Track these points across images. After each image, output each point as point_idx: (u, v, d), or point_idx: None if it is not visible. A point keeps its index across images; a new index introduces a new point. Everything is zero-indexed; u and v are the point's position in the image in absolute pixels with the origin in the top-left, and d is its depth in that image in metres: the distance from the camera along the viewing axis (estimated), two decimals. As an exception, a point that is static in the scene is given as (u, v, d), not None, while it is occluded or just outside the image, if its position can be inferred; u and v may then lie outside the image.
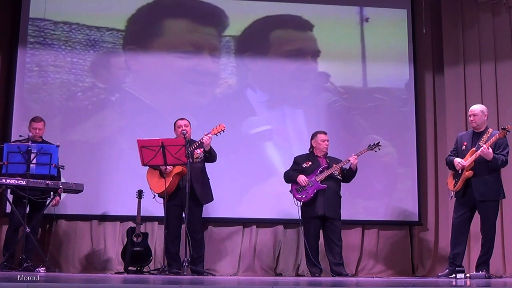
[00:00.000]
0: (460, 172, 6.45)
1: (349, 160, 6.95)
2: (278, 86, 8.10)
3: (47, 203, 6.81)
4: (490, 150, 6.27)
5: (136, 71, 7.98)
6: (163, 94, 7.95)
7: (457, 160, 6.47)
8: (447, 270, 6.52)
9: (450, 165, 6.61)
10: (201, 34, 8.10)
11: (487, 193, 6.36)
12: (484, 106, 6.63)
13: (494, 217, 6.43)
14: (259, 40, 8.20)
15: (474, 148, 6.41)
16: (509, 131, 6.34)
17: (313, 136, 7.16)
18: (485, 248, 6.45)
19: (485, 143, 6.32)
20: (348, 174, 7.07)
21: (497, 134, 6.35)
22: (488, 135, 6.42)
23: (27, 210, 6.68)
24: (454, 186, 6.50)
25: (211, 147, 6.75)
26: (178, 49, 8.04)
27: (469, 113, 6.62)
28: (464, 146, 6.55)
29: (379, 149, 7.14)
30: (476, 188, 6.36)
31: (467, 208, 6.49)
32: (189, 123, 6.92)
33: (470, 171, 6.38)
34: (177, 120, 6.94)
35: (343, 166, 7.03)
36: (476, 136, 6.50)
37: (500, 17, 7.97)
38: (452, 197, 6.61)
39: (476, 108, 6.56)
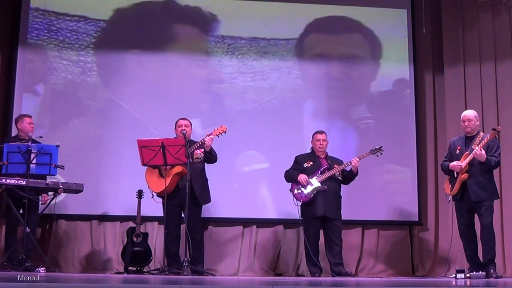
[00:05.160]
0: (456, 176, 6.54)
1: (351, 162, 6.95)
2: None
3: (47, 203, 6.80)
4: (483, 151, 6.37)
5: (142, 71, 7.93)
6: (166, 95, 7.94)
7: (453, 162, 6.55)
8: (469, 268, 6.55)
9: (446, 170, 6.71)
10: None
11: (483, 194, 6.45)
12: (475, 111, 6.71)
13: (490, 217, 6.46)
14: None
15: (468, 152, 6.50)
16: (499, 131, 6.47)
17: (312, 136, 7.16)
18: (486, 248, 6.47)
19: (478, 146, 6.41)
20: (349, 176, 7.07)
21: (488, 136, 6.46)
22: (480, 138, 6.54)
23: (20, 210, 6.64)
24: (451, 190, 6.58)
25: (211, 147, 6.75)
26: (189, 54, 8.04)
27: (462, 119, 6.69)
28: (458, 151, 6.65)
29: (381, 154, 7.12)
30: (472, 190, 6.47)
31: (468, 211, 6.57)
32: (190, 123, 6.92)
33: (465, 174, 6.49)
34: (178, 120, 6.94)
35: (344, 168, 7.03)
36: (469, 140, 6.61)
37: (500, 17, 7.98)
38: (449, 201, 6.70)
39: (470, 113, 6.67)
